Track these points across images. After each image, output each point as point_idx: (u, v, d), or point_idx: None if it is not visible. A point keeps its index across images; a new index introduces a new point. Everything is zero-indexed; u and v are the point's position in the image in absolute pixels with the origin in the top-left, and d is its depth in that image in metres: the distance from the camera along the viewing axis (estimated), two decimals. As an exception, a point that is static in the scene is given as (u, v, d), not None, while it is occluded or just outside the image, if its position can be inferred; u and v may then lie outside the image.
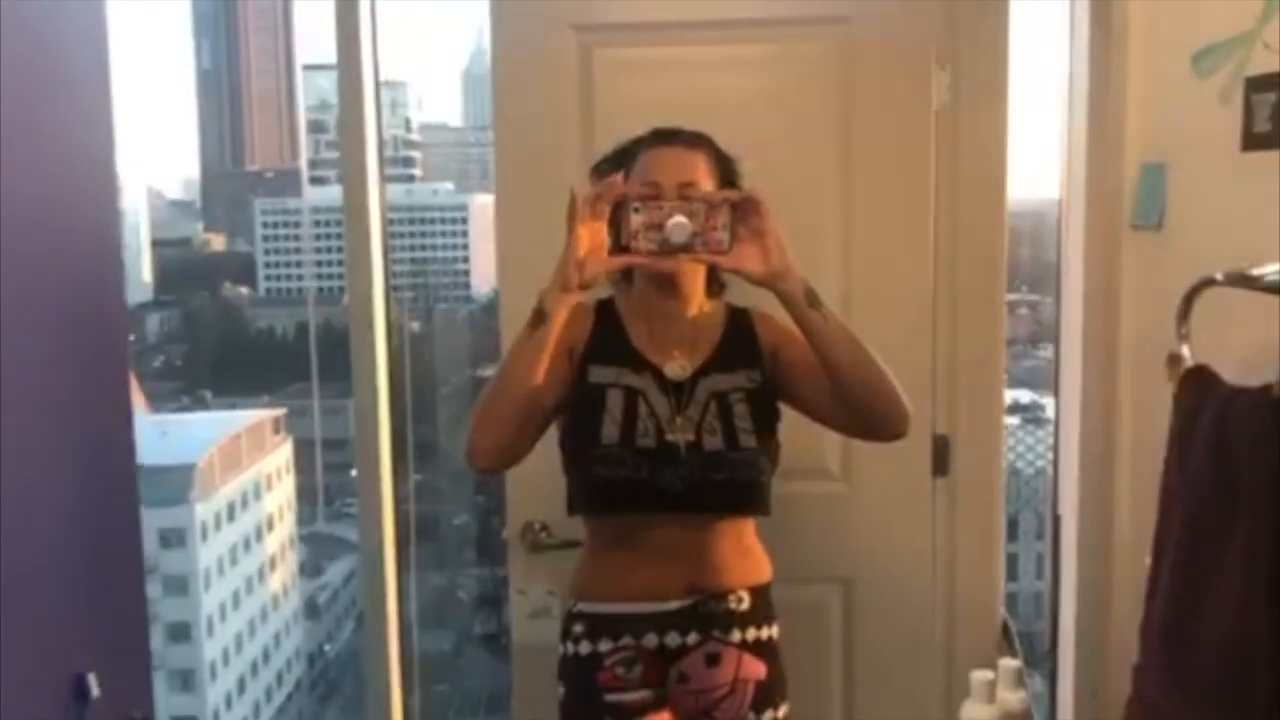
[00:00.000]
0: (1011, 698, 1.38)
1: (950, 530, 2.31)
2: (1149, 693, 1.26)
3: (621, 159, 1.80)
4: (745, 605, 1.79)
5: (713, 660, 1.76)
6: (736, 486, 1.74)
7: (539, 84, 2.20)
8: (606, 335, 1.81)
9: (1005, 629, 2.35)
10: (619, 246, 1.60)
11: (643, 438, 1.71)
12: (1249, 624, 1.12)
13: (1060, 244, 2.36)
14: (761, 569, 1.83)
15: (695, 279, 1.80)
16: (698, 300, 1.81)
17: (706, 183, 1.74)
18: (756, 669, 1.79)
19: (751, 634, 1.79)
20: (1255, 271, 1.17)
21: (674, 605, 1.75)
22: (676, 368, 1.77)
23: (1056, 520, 2.38)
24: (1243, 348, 1.27)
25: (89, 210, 1.26)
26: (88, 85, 1.30)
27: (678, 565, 1.75)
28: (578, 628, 1.81)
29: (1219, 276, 1.22)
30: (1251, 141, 1.35)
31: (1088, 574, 2.17)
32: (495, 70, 2.23)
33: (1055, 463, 2.40)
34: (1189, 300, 1.25)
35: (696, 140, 1.79)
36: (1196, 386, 1.25)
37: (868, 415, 1.69)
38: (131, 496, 1.42)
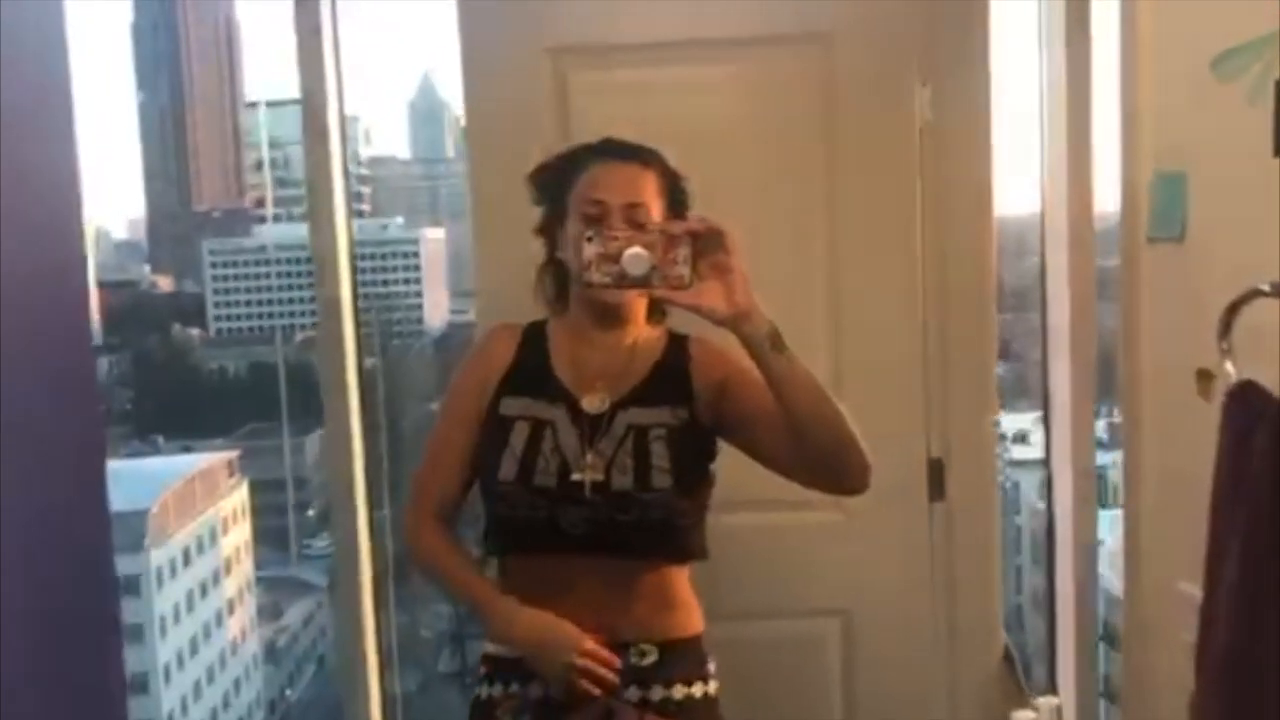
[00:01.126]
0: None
1: (948, 555, 2.25)
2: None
3: (566, 168, 1.70)
4: (651, 659, 1.63)
5: (607, 718, 1.61)
6: (646, 529, 1.59)
7: (513, 109, 2.13)
8: (527, 363, 1.71)
9: (1006, 654, 2.29)
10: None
11: (542, 475, 1.60)
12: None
13: (1043, 257, 2.35)
14: (682, 622, 1.67)
15: (636, 306, 1.69)
16: (636, 328, 1.71)
17: (655, 204, 1.64)
18: None
19: (659, 693, 1.62)
20: (1307, 280, 1.12)
21: None
22: (596, 400, 1.65)
23: (1051, 532, 2.35)
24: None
25: (55, 249, 1.19)
26: (51, 122, 1.22)
27: (576, 612, 1.59)
28: (483, 669, 1.71)
29: (1266, 287, 1.17)
30: (1285, 145, 1.29)
31: (1086, 600, 2.14)
32: (467, 96, 2.16)
33: (1049, 479, 2.37)
34: (1232, 312, 1.20)
35: (648, 158, 1.69)
36: (1245, 403, 1.20)
37: (828, 467, 1.56)
38: (105, 550, 1.33)
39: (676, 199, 1.70)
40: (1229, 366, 1.23)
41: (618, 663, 1.59)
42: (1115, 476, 2.24)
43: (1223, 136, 1.42)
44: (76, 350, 1.23)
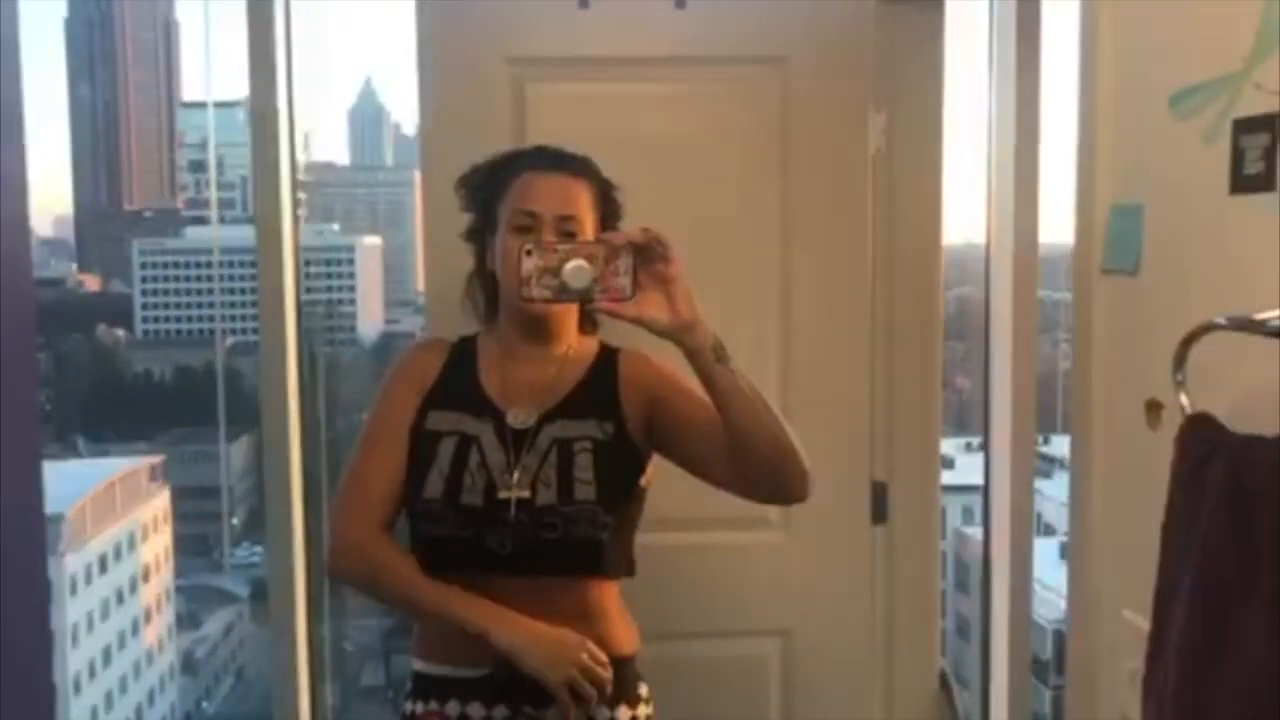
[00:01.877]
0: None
1: (889, 578, 2.27)
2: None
3: (496, 175, 1.68)
4: None
5: None
6: (571, 545, 1.57)
7: (470, 119, 2.11)
8: (455, 377, 1.68)
9: (943, 678, 2.31)
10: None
11: (469, 493, 1.57)
12: (1275, 688, 1.06)
13: (987, 286, 2.37)
14: (611, 642, 1.63)
15: (567, 319, 1.67)
16: (567, 341, 1.68)
17: (588, 215, 1.63)
18: None
19: (579, 717, 1.59)
20: (1260, 316, 1.14)
21: (480, 672, 1.59)
22: (521, 414, 1.62)
23: (987, 562, 2.37)
24: (1234, 394, 1.24)
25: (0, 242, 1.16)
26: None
27: None
28: (409, 685, 1.69)
29: (1222, 320, 1.19)
30: (1241, 184, 1.32)
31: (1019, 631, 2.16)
32: (423, 104, 2.14)
33: (986, 509, 2.39)
34: (1187, 345, 1.22)
35: (579, 168, 1.67)
36: (1200, 435, 1.22)
37: (769, 477, 1.53)
38: (39, 558, 1.28)
39: (609, 209, 1.69)
40: (1183, 399, 1.25)
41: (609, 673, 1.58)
42: (1039, 505, 2.29)
43: (1180, 172, 1.45)
44: (18, 348, 1.19)
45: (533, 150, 1.70)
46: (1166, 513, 1.25)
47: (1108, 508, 1.67)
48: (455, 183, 1.74)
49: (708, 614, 2.20)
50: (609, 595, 1.66)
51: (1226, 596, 1.14)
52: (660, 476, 1.69)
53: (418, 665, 1.68)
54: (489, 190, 1.68)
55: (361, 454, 1.67)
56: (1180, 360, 1.23)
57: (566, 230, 1.60)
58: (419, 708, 1.65)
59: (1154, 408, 1.25)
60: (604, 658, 1.58)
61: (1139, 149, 1.58)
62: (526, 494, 1.56)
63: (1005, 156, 2.22)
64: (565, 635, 1.57)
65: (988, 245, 2.34)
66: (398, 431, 1.65)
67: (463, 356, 1.70)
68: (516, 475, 1.57)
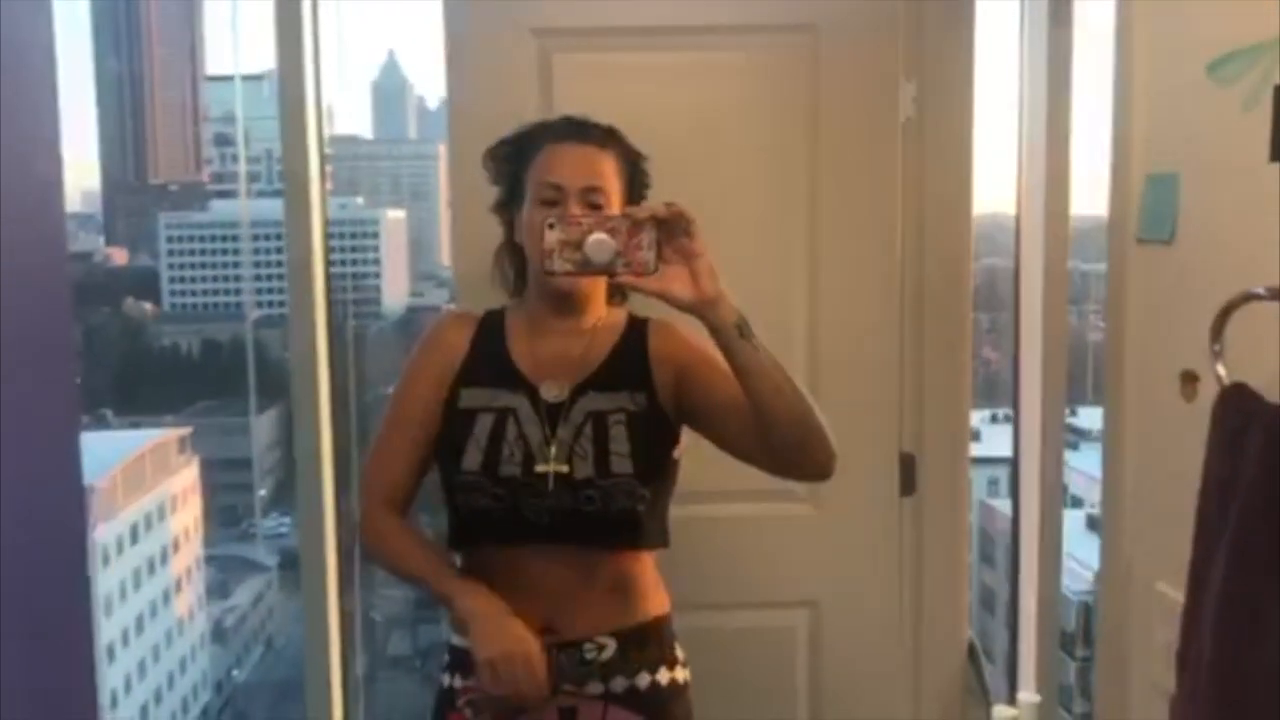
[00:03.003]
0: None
1: (917, 550, 2.26)
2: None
3: (522, 147, 1.67)
4: (608, 654, 1.61)
5: (568, 715, 1.60)
6: (610, 518, 1.57)
7: (496, 90, 2.11)
8: (485, 353, 1.68)
9: (971, 650, 2.31)
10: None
11: (507, 464, 1.58)
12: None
13: (1017, 257, 2.36)
14: (641, 608, 1.65)
15: (595, 291, 1.67)
16: (595, 313, 1.68)
17: (614, 187, 1.62)
18: None
19: (620, 684, 1.61)
20: (1301, 285, 1.13)
21: None
22: (554, 388, 1.62)
23: (1015, 535, 2.36)
24: (1272, 365, 1.22)
25: (34, 211, 1.16)
26: (33, 82, 1.19)
27: (536, 604, 1.57)
28: (446, 658, 1.70)
29: (1261, 291, 1.17)
30: (1282, 151, 1.30)
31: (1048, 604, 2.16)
32: (449, 76, 2.13)
33: (1014, 482, 2.38)
34: (1225, 315, 1.21)
35: (605, 139, 1.65)
36: (1237, 406, 1.20)
37: (793, 454, 1.53)
38: (79, 525, 1.30)
39: (636, 180, 1.68)
40: (1220, 369, 1.23)
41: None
42: (1066, 477, 2.28)
43: (1217, 140, 1.43)
44: (55, 320, 1.20)
45: (558, 121, 1.69)
46: (1202, 484, 1.24)
47: (1140, 479, 1.66)
48: (483, 155, 1.73)
49: (735, 585, 2.21)
50: (644, 566, 1.67)
51: (1264, 567, 1.13)
52: (687, 449, 1.69)
53: (455, 640, 1.68)
54: (515, 162, 1.67)
55: (382, 434, 1.69)
56: (1218, 330, 1.22)
57: (592, 202, 1.59)
58: (458, 682, 1.66)
59: (1189, 379, 1.24)
60: (542, 678, 1.53)
61: (1175, 117, 1.55)
62: (565, 468, 1.57)
63: (1036, 126, 2.20)
64: (513, 637, 1.53)
65: (1018, 216, 2.32)
66: (414, 412, 1.66)
67: (491, 331, 1.70)
68: (553, 449, 1.58)
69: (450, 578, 1.61)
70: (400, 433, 1.67)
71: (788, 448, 1.53)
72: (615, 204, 1.62)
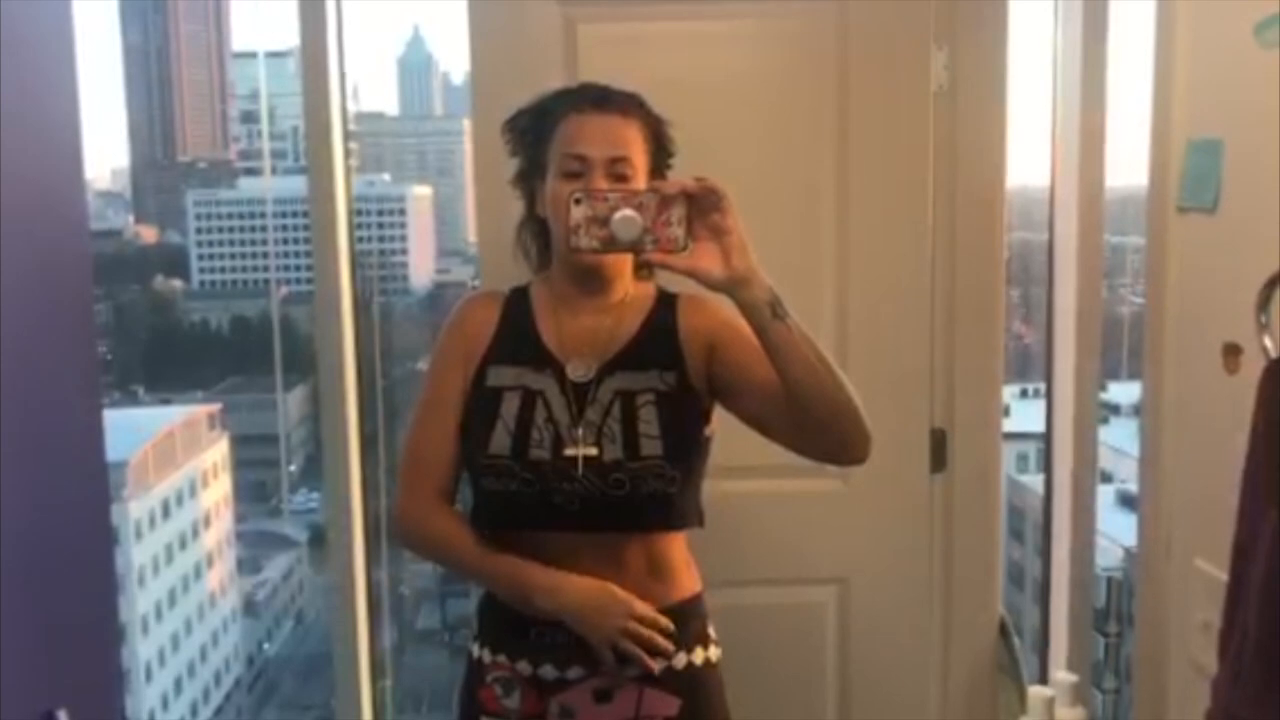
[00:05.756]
0: (1069, 715, 1.29)
1: (947, 527, 2.23)
2: (1239, 709, 1.17)
3: (543, 117, 1.62)
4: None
5: (603, 697, 1.57)
6: (640, 501, 1.54)
7: (520, 61, 2.08)
8: (512, 331, 1.64)
9: (1003, 627, 2.28)
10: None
11: (536, 448, 1.54)
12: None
13: (1051, 231, 2.31)
14: (677, 588, 1.62)
15: (621, 266, 1.62)
16: (622, 288, 1.64)
17: (639, 155, 1.57)
18: (664, 705, 1.58)
19: (658, 664, 1.58)
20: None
21: (553, 634, 1.57)
22: (581, 367, 1.59)
23: (1048, 512, 2.33)
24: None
25: (56, 190, 1.15)
26: (53, 60, 1.18)
27: None
28: (476, 626, 1.68)
29: (1311, 260, 1.14)
30: (1328, 117, 1.26)
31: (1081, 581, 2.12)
32: (473, 48, 2.11)
33: (1048, 458, 2.35)
34: (1272, 286, 1.17)
35: (628, 106, 1.60)
36: (1284, 379, 1.17)
37: (827, 437, 1.49)
38: (103, 502, 1.29)
39: (661, 147, 1.63)
40: (1267, 342, 1.20)
41: (670, 626, 1.56)
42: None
43: (1263, 104, 1.38)
44: (78, 297, 1.19)
45: (578, 89, 1.64)
46: (1247, 460, 1.20)
47: (1180, 454, 1.62)
48: (501, 126, 1.69)
49: (764, 561, 2.19)
50: (676, 547, 1.64)
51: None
52: (717, 424, 1.66)
53: (489, 616, 1.67)
54: (536, 134, 1.63)
55: (416, 422, 1.66)
56: (1264, 302, 1.18)
57: (619, 173, 1.55)
58: (486, 655, 1.65)
59: (1232, 351, 1.20)
60: (654, 615, 1.56)
61: (1219, 81, 1.50)
62: (594, 451, 1.54)
63: (1071, 95, 2.15)
64: (608, 598, 1.55)
65: (1052, 187, 2.28)
66: (449, 396, 1.63)
67: (518, 308, 1.67)
68: (581, 431, 1.55)
69: (519, 562, 1.58)
70: (436, 419, 1.64)
71: (821, 431, 1.49)
72: (641, 174, 1.58)
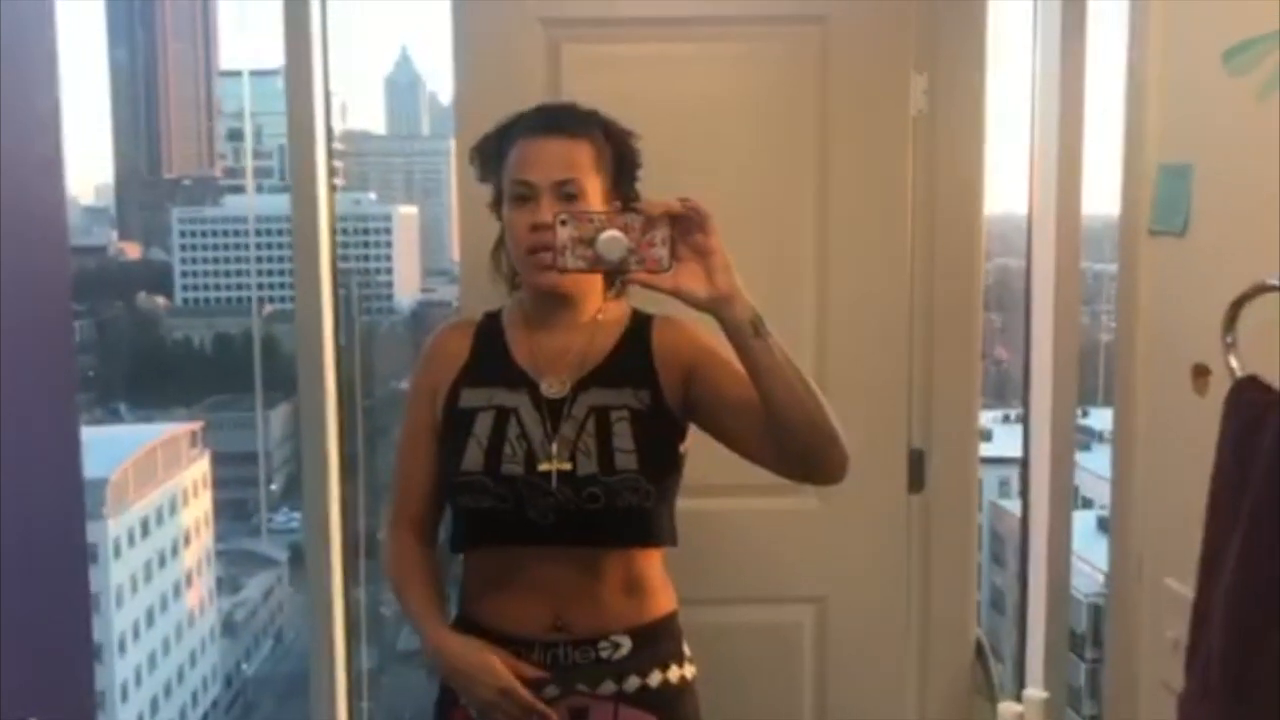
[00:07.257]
0: (1039, 730, 1.30)
1: (925, 547, 2.25)
2: (1203, 721, 1.18)
3: (500, 143, 1.63)
4: (623, 651, 1.59)
5: (579, 715, 1.57)
6: (615, 515, 1.54)
7: (505, 82, 2.09)
8: (484, 354, 1.66)
9: (979, 648, 2.29)
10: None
11: (509, 464, 1.55)
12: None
13: (1029, 256, 2.33)
14: (652, 606, 1.63)
15: (584, 285, 1.63)
16: (592, 306, 1.65)
17: (589, 177, 1.57)
18: None
19: (633, 683, 1.59)
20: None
21: (527, 654, 1.58)
22: (556, 383, 1.60)
23: (1025, 534, 2.34)
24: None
25: (36, 204, 1.15)
26: (34, 73, 1.18)
27: (544, 605, 1.57)
28: None
29: (1275, 281, 1.16)
30: (1297, 142, 1.28)
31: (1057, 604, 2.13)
32: (458, 68, 2.13)
33: (1024, 481, 2.36)
34: (1238, 306, 1.19)
35: (577, 128, 1.60)
36: (1250, 397, 1.19)
37: (805, 456, 1.50)
38: (78, 516, 1.29)
39: (622, 162, 1.64)
40: (1233, 361, 1.22)
41: (541, 708, 1.55)
42: (1077, 478, 2.26)
43: (1231, 130, 1.41)
44: (56, 312, 1.19)
45: (532, 112, 1.65)
46: (1214, 478, 1.22)
47: (1151, 474, 1.64)
48: (469, 153, 1.71)
49: (741, 580, 2.20)
50: (652, 565, 1.64)
51: (1275, 563, 1.11)
52: (693, 442, 1.67)
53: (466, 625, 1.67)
54: (497, 159, 1.65)
55: (398, 454, 1.70)
56: (1230, 322, 1.20)
57: (568, 194, 1.55)
58: None
59: (1201, 372, 1.22)
60: (525, 697, 1.53)
61: (1189, 107, 1.53)
62: (568, 465, 1.55)
63: (1049, 121, 2.18)
64: (479, 670, 1.54)
65: (1030, 214, 2.30)
66: (419, 429, 1.67)
67: (490, 332, 1.69)
68: (555, 446, 1.56)
69: (424, 620, 1.61)
70: (408, 450, 1.68)
71: (799, 451, 1.50)
72: (594, 195, 1.58)
